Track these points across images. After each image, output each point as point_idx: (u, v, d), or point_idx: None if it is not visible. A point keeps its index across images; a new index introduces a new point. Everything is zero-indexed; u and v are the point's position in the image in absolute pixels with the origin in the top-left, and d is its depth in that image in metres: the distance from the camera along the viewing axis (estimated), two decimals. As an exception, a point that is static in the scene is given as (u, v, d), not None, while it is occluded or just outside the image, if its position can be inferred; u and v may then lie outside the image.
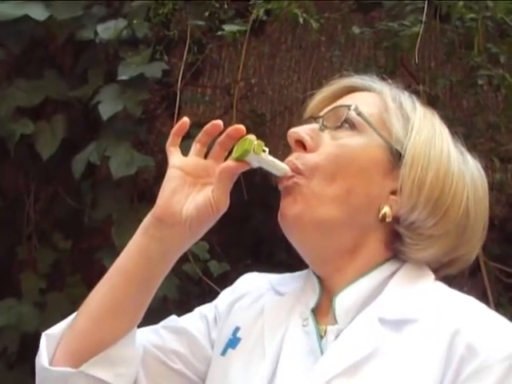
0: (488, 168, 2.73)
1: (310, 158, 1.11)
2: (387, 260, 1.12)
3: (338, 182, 1.09)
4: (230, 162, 1.07)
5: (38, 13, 2.37)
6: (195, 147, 1.13)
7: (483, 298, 2.75)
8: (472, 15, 2.32)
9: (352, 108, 1.12)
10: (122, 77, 2.36)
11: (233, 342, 1.15)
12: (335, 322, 1.08)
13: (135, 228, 2.56)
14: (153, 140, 2.76)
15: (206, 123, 3.16)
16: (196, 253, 2.42)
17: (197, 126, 2.98)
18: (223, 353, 1.16)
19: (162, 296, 2.33)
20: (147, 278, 1.12)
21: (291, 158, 1.12)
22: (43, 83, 2.50)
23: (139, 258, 1.11)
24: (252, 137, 1.06)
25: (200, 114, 3.32)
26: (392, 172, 1.11)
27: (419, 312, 1.05)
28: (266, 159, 1.07)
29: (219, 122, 1.11)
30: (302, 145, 1.12)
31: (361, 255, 1.11)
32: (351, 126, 1.12)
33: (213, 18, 2.31)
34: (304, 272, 1.20)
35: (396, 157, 1.11)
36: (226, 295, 1.25)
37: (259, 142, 1.06)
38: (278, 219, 1.12)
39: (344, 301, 1.09)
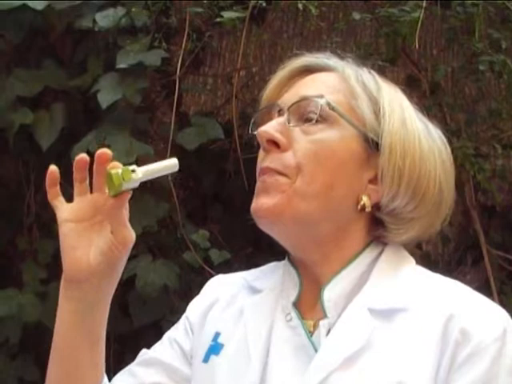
0: (490, 155, 2.72)
1: (290, 159, 1.08)
2: (368, 245, 1.12)
3: (319, 179, 1.07)
4: (111, 201, 1.02)
5: (36, 2, 2.37)
6: (76, 187, 1.07)
7: (486, 286, 2.75)
8: (473, 0, 2.31)
9: (323, 102, 1.09)
10: (121, 65, 2.35)
11: (215, 349, 1.13)
12: (324, 315, 1.07)
13: (135, 217, 2.54)
14: (154, 129, 2.75)
15: (208, 112, 3.12)
16: (197, 241, 2.41)
17: (199, 114, 2.97)
18: (205, 360, 1.13)
19: (162, 285, 2.33)
20: (89, 336, 1.10)
21: (268, 162, 1.09)
22: (42, 73, 2.50)
23: (72, 324, 1.09)
24: (115, 167, 1.01)
25: (202, 103, 3.31)
26: (368, 161, 1.10)
27: (408, 301, 1.05)
28: (142, 176, 1.02)
29: (83, 156, 1.05)
30: (274, 143, 1.09)
31: (344, 244, 1.10)
32: (322, 118, 1.09)
33: (212, 6, 2.30)
34: (278, 264, 1.19)
35: (372, 145, 1.10)
36: (195, 305, 1.22)
37: (124, 168, 1.01)
38: (254, 214, 1.09)
39: (331, 293, 1.08)
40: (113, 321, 2.65)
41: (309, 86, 1.12)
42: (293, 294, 1.11)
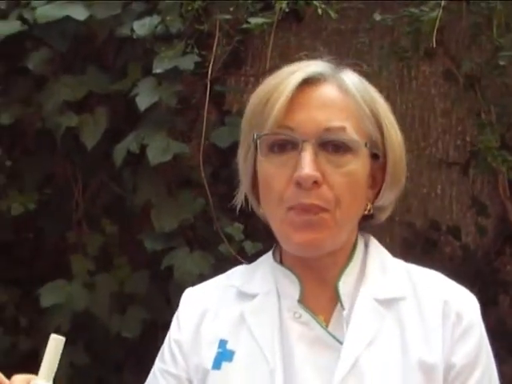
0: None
1: (328, 193, 1.14)
2: (356, 235, 1.25)
3: (353, 209, 1.18)
4: None
5: (79, 13, 2.53)
6: None
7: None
8: (492, -3, 2.36)
9: (361, 143, 1.15)
10: (158, 70, 2.49)
11: (225, 356, 1.17)
12: (335, 308, 1.18)
13: (173, 212, 2.66)
14: (199, 128, 2.88)
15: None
16: (232, 234, 2.53)
17: (240, 114, 3.07)
18: (216, 367, 1.17)
19: (198, 274, 2.45)
20: None
21: (311, 199, 1.13)
22: (87, 78, 2.65)
23: None
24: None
25: (244, 101, 3.41)
26: (370, 171, 1.20)
27: (404, 290, 1.20)
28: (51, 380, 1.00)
29: None
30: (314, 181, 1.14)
31: (346, 243, 1.22)
32: (348, 149, 1.16)
33: (240, 11, 2.41)
34: (248, 267, 1.27)
35: (379, 159, 1.20)
36: (182, 321, 1.25)
37: None
38: (299, 246, 1.15)
39: (345, 287, 1.19)
40: (158, 310, 2.79)
41: (323, 110, 1.15)
42: (295, 293, 1.19)
